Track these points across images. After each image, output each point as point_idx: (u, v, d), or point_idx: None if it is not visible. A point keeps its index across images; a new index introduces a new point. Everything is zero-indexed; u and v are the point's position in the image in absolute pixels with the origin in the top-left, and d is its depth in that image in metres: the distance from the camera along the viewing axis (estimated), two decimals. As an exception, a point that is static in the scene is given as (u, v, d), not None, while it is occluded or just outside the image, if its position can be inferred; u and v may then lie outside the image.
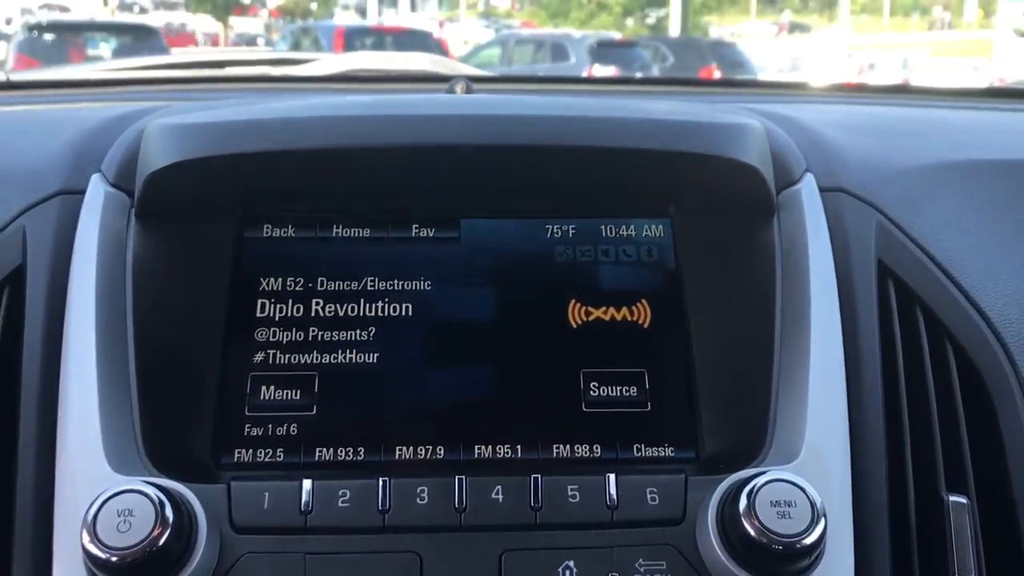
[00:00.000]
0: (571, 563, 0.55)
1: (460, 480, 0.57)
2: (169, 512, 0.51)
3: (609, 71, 10.08)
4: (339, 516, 0.56)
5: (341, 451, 0.63)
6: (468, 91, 1.27)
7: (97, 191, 0.69)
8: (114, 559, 0.50)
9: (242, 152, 0.66)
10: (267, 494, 0.57)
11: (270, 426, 0.64)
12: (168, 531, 0.51)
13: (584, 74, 9.87)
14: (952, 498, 0.59)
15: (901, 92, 1.47)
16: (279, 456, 0.63)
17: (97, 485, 0.53)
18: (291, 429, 0.64)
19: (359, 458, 0.63)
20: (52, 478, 0.56)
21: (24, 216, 0.68)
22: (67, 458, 0.56)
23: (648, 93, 1.50)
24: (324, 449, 0.63)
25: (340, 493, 0.57)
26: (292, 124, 0.67)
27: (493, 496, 0.57)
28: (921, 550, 0.59)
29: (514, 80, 1.61)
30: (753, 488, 0.53)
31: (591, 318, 0.69)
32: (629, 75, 9.93)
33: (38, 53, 8.33)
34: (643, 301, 0.69)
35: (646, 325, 0.68)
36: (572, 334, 0.68)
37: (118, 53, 8.81)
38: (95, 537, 0.50)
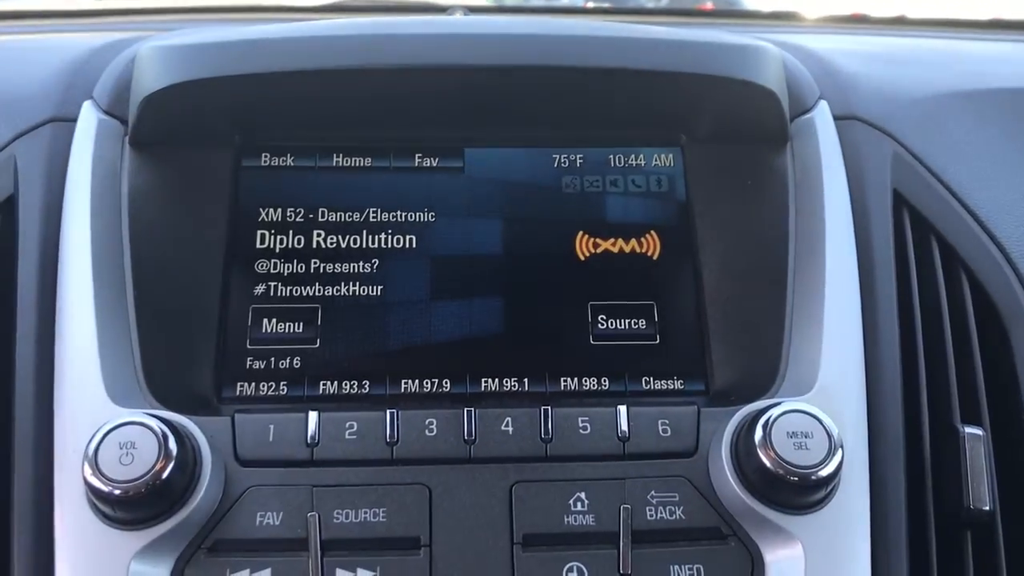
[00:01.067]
0: (582, 495, 0.54)
1: (469, 412, 0.56)
2: (172, 445, 0.50)
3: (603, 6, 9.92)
4: (346, 448, 0.55)
5: (346, 384, 0.62)
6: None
7: (90, 118, 0.67)
8: (117, 492, 0.49)
9: (239, 73, 0.63)
10: (272, 426, 0.56)
11: (273, 359, 0.62)
12: (172, 464, 0.50)
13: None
14: (967, 430, 0.58)
15: (901, 24, 1.44)
16: (282, 389, 0.62)
17: (97, 418, 0.52)
18: (294, 362, 0.62)
19: (364, 391, 0.62)
20: (51, 411, 0.55)
21: (14, 144, 0.66)
22: (66, 391, 0.55)
23: (655, 23, 1.47)
24: (328, 382, 0.62)
25: (347, 425, 0.56)
26: (291, 44, 0.65)
27: (503, 428, 0.56)
28: (936, 481, 0.58)
29: (515, 10, 1.56)
30: (769, 419, 0.52)
31: (599, 250, 0.67)
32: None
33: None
34: (652, 232, 0.68)
35: (655, 257, 0.67)
36: (580, 266, 0.67)
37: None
38: (97, 470, 0.49)
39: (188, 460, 0.51)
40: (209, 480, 0.52)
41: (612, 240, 0.67)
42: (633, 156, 0.70)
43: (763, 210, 0.67)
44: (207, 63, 0.64)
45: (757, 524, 0.53)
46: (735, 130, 0.68)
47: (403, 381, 0.62)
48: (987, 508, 0.56)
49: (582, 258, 0.67)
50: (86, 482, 0.50)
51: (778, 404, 0.53)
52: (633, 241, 0.67)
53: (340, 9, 1.44)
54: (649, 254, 0.67)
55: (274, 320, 0.64)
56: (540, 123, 0.69)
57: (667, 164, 0.70)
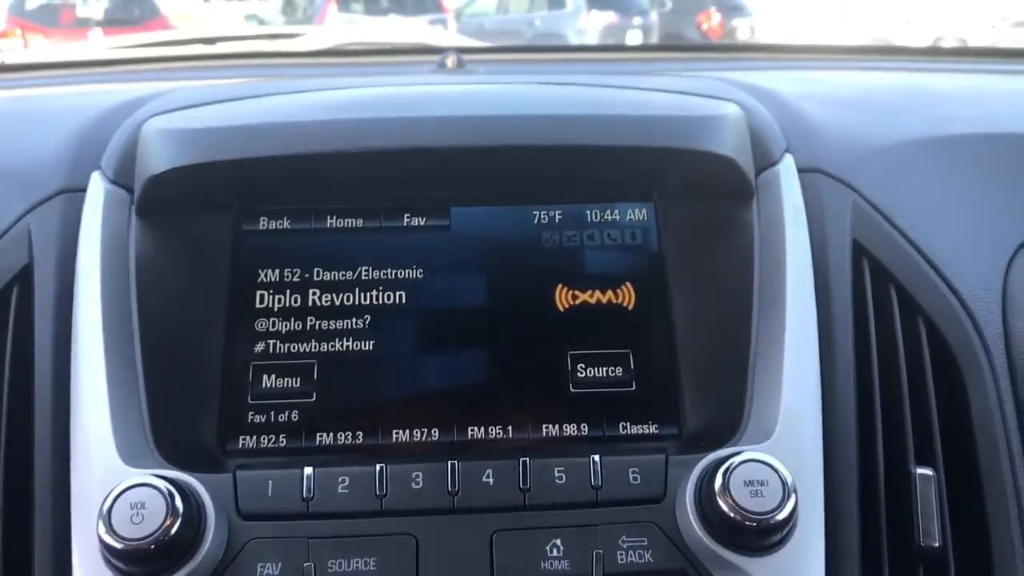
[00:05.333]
0: (558, 541, 0.59)
1: (452, 464, 0.61)
2: (179, 503, 0.55)
3: (606, 16, 10.02)
4: (339, 501, 0.59)
5: (340, 435, 0.66)
6: (459, 63, 1.28)
7: (98, 189, 0.72)
8: (128, 549, 0.54)
9: (237, 158, 0.68)
10: (271, 482, 0.60)
11: (272, 413, 0.67)
12: (179, 521, 0.54)
13: (579, 20, 9.82)
14: (919, 470, 0.63)
15: (879, 53, 1.48)
16: (281, 442, 0.66)
17: (110, 478, 0.57)
18: (292, 415, 0.67)
19: (357, 442, 0.66)
20: (67, 472, 0.59)
21: (28, 216, 0.71)
22: (81, 453, 0.60)
23: (638, 60, 1.52)
24: (324, 434, 0.66)
25: (340, 479, 0.60)
26: (285, 129, 0.70)
27: (484, 479, 0.60)
28: (889, 520, 0.62)
29: (505, 51, 1.61)
30: (728, 468, 0.56)
31: (578, 301, 0.71)
32: (625, 24, 9.92)
33: (27, 15, 8.24)
34: (627, 284, 0.72)
35: (630, 307, 0.71)
36: (559, 317, 0.71)
37: (109, 12, 8.71)
38: (111, 529, 0.54)
39: (193, 516, 0.55)
40: (213, 534, 0.56)
41: (590, 292, 0.72)
42: (608, 211, 0.75)
43: (730, 261, 0.71)
44: (206, 148, 0.69)
45: (720, 566, 0.57)
46: (703, 187, 0.72)
47: (394, 431, 0.66)
48: (936, 545, 0.60)
49: (561, 309, 0.71)
50: (100, 540, 0.54)
51: (738, 453, 0.58)
52: (609, 292, 0.72)
53: (336, 54, 1.50)
54: (624, 304, 0.71)
55: (273, 376, 0.68)
56: (521, 186, 0.74)
57: (640, 218, 0.74)
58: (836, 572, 0.58)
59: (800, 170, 0.75)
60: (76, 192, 0.72)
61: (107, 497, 0.55)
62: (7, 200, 0.72)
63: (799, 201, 0.72)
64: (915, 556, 0.61)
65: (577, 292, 0.72)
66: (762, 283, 0.69)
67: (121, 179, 0.73)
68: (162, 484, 0.55)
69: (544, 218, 0.74)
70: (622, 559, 0.58)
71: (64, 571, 0.57)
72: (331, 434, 0.66)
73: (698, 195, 0.73)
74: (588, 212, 0.75)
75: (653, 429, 0.67)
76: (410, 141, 0.70)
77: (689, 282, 0.71)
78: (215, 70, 1.43)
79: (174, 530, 0.54)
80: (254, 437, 0.66)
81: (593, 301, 0.71)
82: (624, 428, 0.67)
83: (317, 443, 0.66)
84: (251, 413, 0.67)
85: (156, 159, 0.69)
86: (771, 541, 0.56)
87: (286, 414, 0.67)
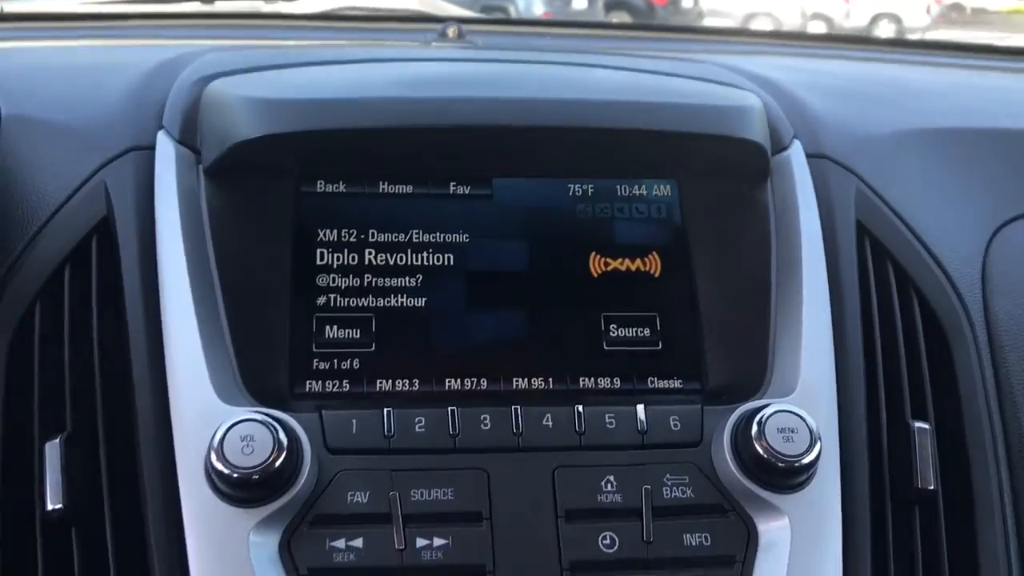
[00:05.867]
0: (611, 477, 0.66)
1: (516, 409, 0.68)
2: (283, 437, 0.61)
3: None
4: (417, 439, 0.66)
5: (399, 383, 0.72)
6: (460, 35, 1.33)
7: (167, 148, 0.76)
8: (238, 476, 0.59)
9: (309, 129, 0.74)
10: (354, 421, 0.66)
11: (335, 361, 0.72)
12: (283, 454, 0.60)
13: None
14: (916, 424, 0.72)
15: (859, 43, 1.58)
16: (344, 387, 0.72)
17: (212, 416, 0.62)
18: (354, 363, 0.72)
19: (414, 389, 0.72)
20: (167, 412, 0.65)
21: (102, 171, 0.75)
22: (180, 394, 0.65)
23: (622, 38, 1.59)
24: (384, 381, 0.72)
25: (416, 420, 0.67)
26: (354, 104, 0.75)
27: (544, 423, 0.68)
28: (890, 467, 0.71)
29: (499, 23, 1.66)
30: (763, 417, 0.65)
31: (609, 268, 0.79)
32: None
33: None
34: (654, 253, 0.79)
35: (657, 274, 0.78)
36: (593, 282, 0.78)
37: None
38: (223, 458, 0.59)
39: (294, 450, 0.61)
40: (309, 466, 0.62)
41: (620, 260, 0.79)
42: (636, 187, 0.82)
43: (748, 236, 0.79)
44: (286, 118, 0.73)
45: (752, 501, 0.66)
46: (724, 169, 0.80)
47: (447, 380, 0.73)
48: (932, 488, 0.70)
49: (595, 275, 0.78)
50: (213, 468, 0.60)
51: (769, 405, 0.66)
52: (638, 261, 0.79)
53: (334, 18, 1.53)
54: (652, 272, 0.79)
55: (335, 327, 0.74)
56: (557, 161, 0.80)
57: (665, 194, 0.82)
58: (849, 509, 0.67)
59: (807, 155, 0.83)
60: (143, 150, 0.77)
61: (217, 431, 0.60)
62: (79, 156, 0.76)
63: (809, 183, 0.80)
64: (912, 498, 0.70)
65: (609, 260, 0.79)
66: (779, 256, 0.76)
67: (185, 139, 0.77)
68: (268, 420, 0.61)
69: (578, 191, 0.81)
70: (667, 494, 0.66)
71: (173, 502, 0.62)
72: (390, 382, 0.72)
73: (717, 175, 0.80)
74: (618, 187, 0.81)
75: (677, 384, 0.75)
76: (467, 119, 0.76)
77: (710, 253, 0.78)
78: (213, 29, 1.45)
79: (279, 461, 0.60)
80: (319, 382, 0.72)
81: (623, 268, 0.79)
82: (652, 383, 0.75)
83: (377, 390, 0.72)
84: (316, 360, 0.72)
85: (233, 126, 0.73)
86: (798, 481, 0.65)
87: (348, 362, 0.73)
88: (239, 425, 0.61)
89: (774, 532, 0.65)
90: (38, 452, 0.66)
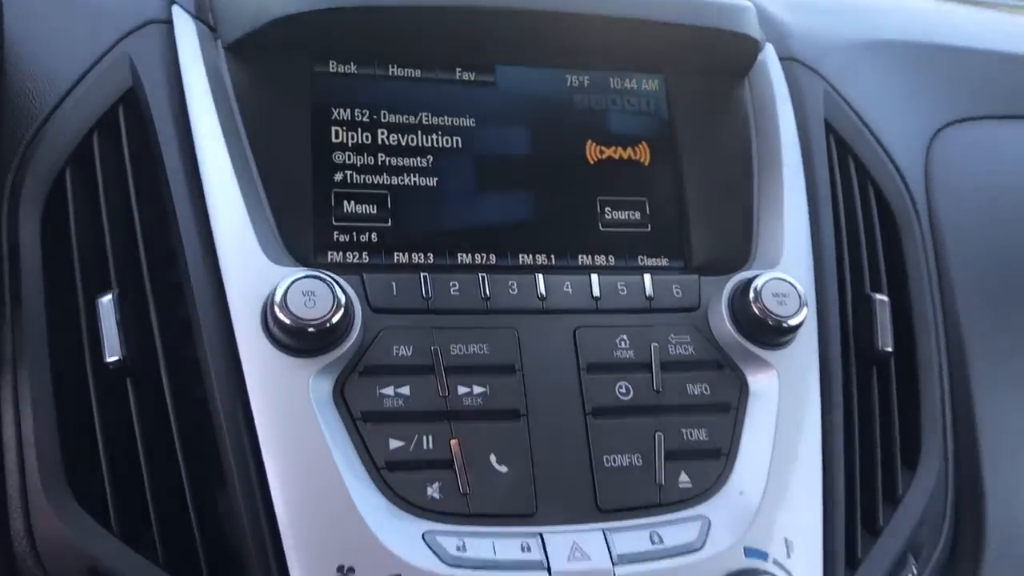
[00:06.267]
0: (624, 336, 0.74)
1: (539, 276, 0.74)
2: (340, 293, 0.65)
3: None
4: (452, 301, 0.72)
5: (415, 255, 0.77)
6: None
7: (184, 22, 0.77)
8: (298, 327, 0.64)
9: (324, 8, 0.76)
10: (394, 283, 0.71)
11: (355, 233, 0.77)
12: (341, 310, 0.65)
13: None
14: (877, 296, 0.82)
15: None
16: (364, 259, 0.76)
17: (265, 275, 0.66)
18: (372, 237, 0.77)
19: (429, 262, 0.77)
20: (218, 272, 0.68)
21: (123, 43, 0.76)
22: (230, 255, 0.68)
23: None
24: (400, 254, 0.77)
25: (451, 284, 0.72)
26: None
27: (564, 289, 0.74)
28: (856, 331, 0.81)
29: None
30: (759, 283, 0.73)
31: (604, 156, 0.85)
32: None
33: None
34: (644, 143, 0.86)
35: (647, 163, 0.86)
36: (589, 168, 0.84)
37: None
38: (287, 310, 0.64)
39: (347, 305, 0.66)
40: (360, 321, 0.67)
41: (613, 148, 0.85)
42: (628, 80, 0.88)
43: (730, 129, 0.86)
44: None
45: (744, 357, 0.74)
46: (710, 65, 0.87)
47: (459, 254, 0.78)
48: (889, 349, 0.81)
49: (591, 162, 0.84)
50: (276, 320, 0.64)
51: (762, 274, 0.74)
52: (629, 149, 0.86)
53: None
54: (642, 161, 0.86)
55: (353, 202, 0.78)
56: (555, 50, 0.85)
57: (653, 89, 0.88)
58: (824, 365, 0.76)
59: (779, 58, 0.91)
60: (162, 23, 0.78)
61: (280, 284, 0.65)
62: (96, 28, 0.76)
63: (784, 82, 0.88)
64: (873, 358, 0.81)
65: (603, 148, 0.85)
66: (760, 146, 0.84)
67: (200, 14, 0.79)
68: (328, 278, 0.66)
69: (575, 82, 0.87)
70: (672, 351, 0.74)
71: (231, 353, 0.66)
72: (406, 254, 0.77)
73: (702, 72, 0.87)
74: (611, 79, 0.87)
75: (664, 262, 0.82)
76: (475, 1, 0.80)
77: (695, 144, 0.86)
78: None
79: (337, 316, 0.65)
80: (341, 253, 0.76)
81: (616, 156, 0.85)
82: (642, 260, 0.82)
83: (395, 262, 0.77)
84: (336, 233, 0.77)
85: (251, 3, 0.76)
86: (786, 339, 0.74)
87: (367, 235, 0.77)
88: (301, 281, 0.65)
89: (763, 383, 0.74)
90: (85, 310, 0.68)
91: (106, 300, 0.67)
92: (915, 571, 0.77)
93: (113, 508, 0.64)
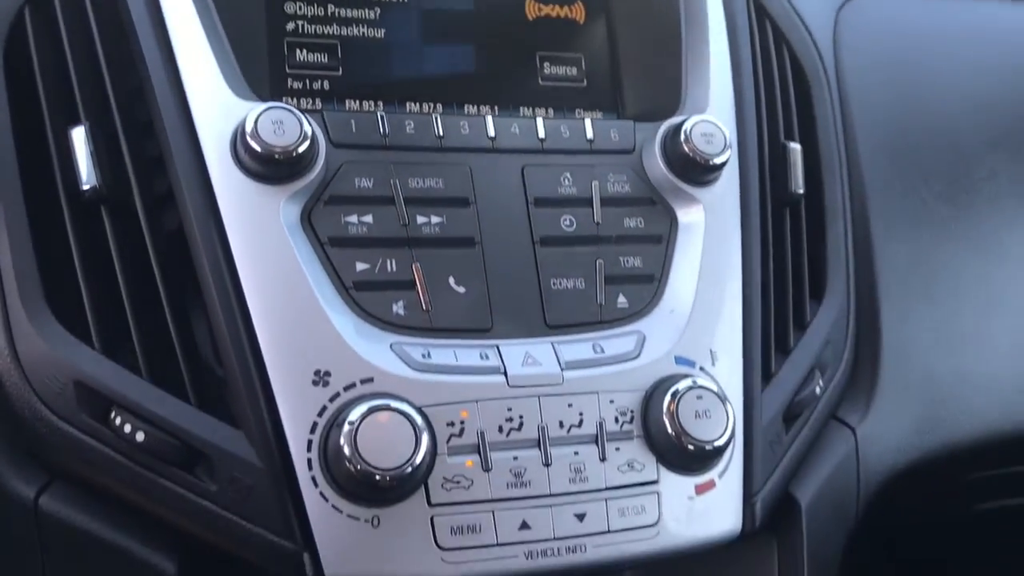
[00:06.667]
0: (568, 174, 0.80)
1: (489, 117, 0.79)
2: (307, 126, 0.70)
3: None
4: (408, 138, 0.76)
5: (365, 103, 0.82)
6: None
7: None
8: (268, 153, 0.68)
9: None
10: (353, 121, 0.75)
11: (307, 80, 0.81)
12: (308, 140, 0.69)
13: None
14: (791, 144, 0.90)
15: None
16: (317, 104, 0.80)
17: (233, 109, 0.70)
18: (324, 84, 0.81)
19: (379, 109, 0.82)
20: (186, 106, 0.71)
21: None
22: (198, 92, 0.71)
23: None
24: (352, 101, 0.81)
25: (406, 123, 0.77)
26: None
27: (512, 130, 0.80)
28: (772, 173, 0.89)
29: None
30: (689, 126, 0.80)
31: (542, 13, 0.90)
32: None
33: None
34: (580, 2, 0.91)
35: (582, 21, 0.91)
36: (529, 25, 0.89)
37: None
38: (257, 137, 0.68)
39: (313, 137, 0.70)
40: (324, 153, 0.72)
41: (551, 6, 0.90)
42: None
43: None
44: None
45: (674, 194, 0.82)
46: None
47: (407, 103, 0.83)
48: (801, 191, 0.90)
49: (530, 18, 0.89)
50: (247, 148, 0.68)
51: (690, 118, 0.81)
52: (566, 8, 0.91)
53: None
54: (577, 19, 0.91)
55: (305, 51, 0.81)
56: None
57: None
58: (745, 203, 0.84)
59: None
60: None
61: (251, 113, 0.68)
62: None
63: None
64: (786, 200, 0.90)
65: (542, 6, 0.90)
66: (687, 7, 0.90)
67: None
68: (292, 107, 0.70)
69: None
70: (610, 188, 0.81)
71: (203, 179, 0.69)
72: (357, 102, 0.82)
73: None
74: None
75: (599, 116, 0.89)
76: None
77: (628, 7, 0.91)
78: None
79: (305, 145, 0.69)
80: (295, 99, 0.80)
81: (554, 14, 0.90)
82: (578, 113, 0.88)
83: (347, 108, 0.81)
84: (290, 80, 0.80)
85: None
86: (712, 177, 0.82)
87: (319, 83, 0.81)
88: (271, 111, 0.69)
89: (691, 217, 0.82)
90: (55, 143, 0.71)
91: (78, 130, 0.70)
92: (821, 384, 0.87)
93: (93, 324, 0.68)
